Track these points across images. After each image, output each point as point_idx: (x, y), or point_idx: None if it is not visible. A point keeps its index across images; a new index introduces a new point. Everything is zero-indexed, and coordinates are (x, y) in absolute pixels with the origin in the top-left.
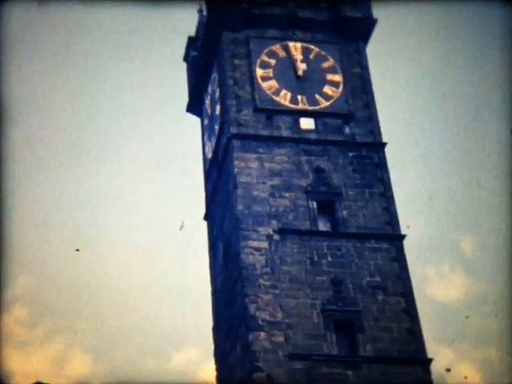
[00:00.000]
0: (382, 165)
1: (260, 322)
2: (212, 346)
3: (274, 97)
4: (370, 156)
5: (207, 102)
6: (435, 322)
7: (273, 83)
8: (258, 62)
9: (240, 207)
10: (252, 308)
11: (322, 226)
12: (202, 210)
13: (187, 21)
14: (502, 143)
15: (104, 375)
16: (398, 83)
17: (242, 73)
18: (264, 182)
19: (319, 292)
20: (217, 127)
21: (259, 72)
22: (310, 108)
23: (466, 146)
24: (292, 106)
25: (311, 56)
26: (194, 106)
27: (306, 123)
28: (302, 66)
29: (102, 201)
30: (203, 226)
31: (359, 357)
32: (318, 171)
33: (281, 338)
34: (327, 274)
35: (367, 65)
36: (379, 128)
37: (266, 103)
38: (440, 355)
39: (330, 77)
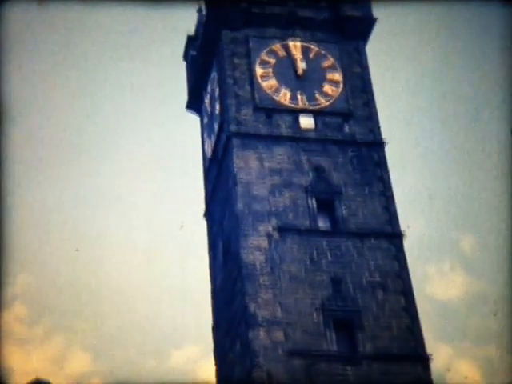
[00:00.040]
0: (382, 164)
1: (260, 320)
2: (212, 345)
3: (274, 96)
4: (369, 155)
5: (207, 100)
6: (435, 320)
7: (272, 82)
8: (258, 60)
9: (240, 206)
10: (252, 306)
11: (322, 224)
12: (202, 209)
13: (187, 20)
14: (501, 143)
15: (104, 374)
16: (397, 83)
17: (241, 72)
18: (264, 181)
19: (319, 290)
20: (216, 126)
21: (259, 71)
22: (310, 107)
23: (466, 145)
24: (292, 104)
25: (311, 55)
26: (194, 104)
27: (306, 122)
28: (301, 65)
29: (102, 201)
30: (203, 225)
31: (358, 354)
32: (318, 170)
33: (280, 336)
34: (327, 273)
35: (367, 64)
36: (379, 127)
37: (265, 102)
38: (440, 353)
39: (329, 76)
